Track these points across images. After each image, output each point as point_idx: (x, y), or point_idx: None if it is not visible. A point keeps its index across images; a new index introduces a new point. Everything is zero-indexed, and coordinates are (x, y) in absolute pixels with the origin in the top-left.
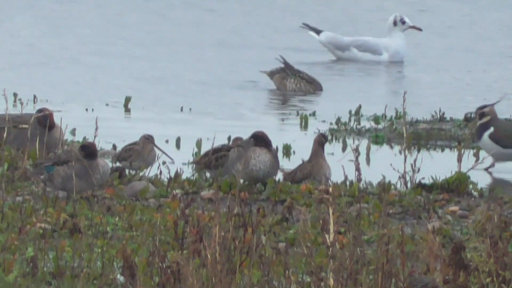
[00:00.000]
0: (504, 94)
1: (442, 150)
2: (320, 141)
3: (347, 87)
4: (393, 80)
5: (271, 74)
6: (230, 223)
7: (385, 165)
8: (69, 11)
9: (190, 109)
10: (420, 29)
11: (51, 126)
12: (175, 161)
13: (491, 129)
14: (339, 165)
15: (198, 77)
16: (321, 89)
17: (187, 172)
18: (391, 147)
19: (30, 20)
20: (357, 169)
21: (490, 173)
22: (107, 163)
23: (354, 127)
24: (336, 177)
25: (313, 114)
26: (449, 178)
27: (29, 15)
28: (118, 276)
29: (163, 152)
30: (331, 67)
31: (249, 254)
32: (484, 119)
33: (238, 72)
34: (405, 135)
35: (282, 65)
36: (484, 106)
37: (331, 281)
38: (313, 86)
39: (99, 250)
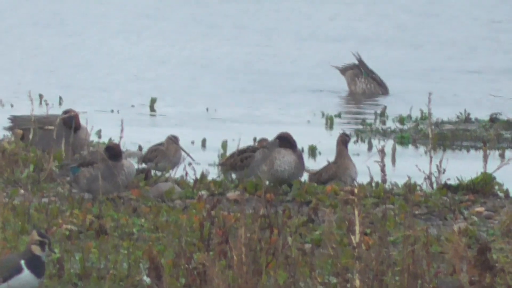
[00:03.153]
0: None
1: (468, 151)
2: (344, 140)
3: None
4: None
5: (344, 70)
6: (256, 224)
7: (411, 166)
8: (93, 11)
9: (216, 110)
10: None
11: (77, 127)
12: (200, 162)
13: None
14: (364, 166)
15: (219, 78)
16: (387, 93)
17: (213, 173)
18: (416, 148)
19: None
20: (383, 170)
21: None
22: (132, 164)
23: (380, 128)
24: (362, 177)
25: (338, 115)
26: (475, 178)
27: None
28: (144, 277)
29: (185, 152)
30: None
31: (275, 255)
32: None
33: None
34: (430, 135)
35: (356, 62)
36: None
37: (357, 282)
38: (382, 89)
39: (125, 252)
